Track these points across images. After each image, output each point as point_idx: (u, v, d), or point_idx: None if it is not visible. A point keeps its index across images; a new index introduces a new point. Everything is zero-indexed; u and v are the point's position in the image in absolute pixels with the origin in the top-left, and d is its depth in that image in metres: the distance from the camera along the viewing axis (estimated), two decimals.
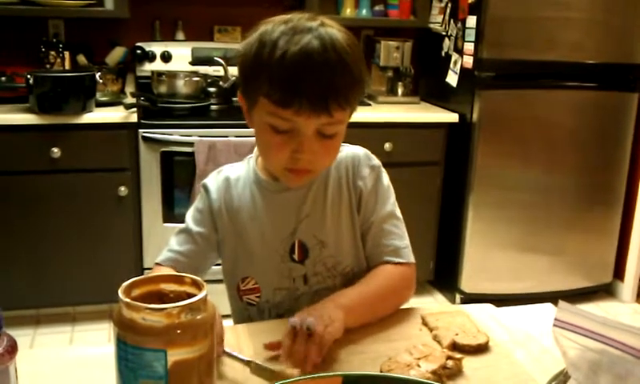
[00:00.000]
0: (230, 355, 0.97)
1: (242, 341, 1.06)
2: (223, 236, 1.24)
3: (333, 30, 1.06)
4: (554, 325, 0.81)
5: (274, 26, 1.06)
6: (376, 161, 1.25)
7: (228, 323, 1.22)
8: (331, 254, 1.21)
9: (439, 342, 1.06)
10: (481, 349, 1.04)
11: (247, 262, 1.23)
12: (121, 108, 2.72)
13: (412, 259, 1.22)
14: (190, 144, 2.65)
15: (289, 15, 1.08)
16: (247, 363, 0.95)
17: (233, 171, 1.27)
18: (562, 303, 0.81)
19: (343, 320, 1.03)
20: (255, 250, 1.22)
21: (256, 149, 1.23)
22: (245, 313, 1.25)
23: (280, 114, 1.04)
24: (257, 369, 0.94)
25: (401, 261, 1.20)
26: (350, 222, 1.22)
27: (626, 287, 3.27)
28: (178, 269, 1.19)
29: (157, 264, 1.22)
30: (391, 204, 1.24)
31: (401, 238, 1.22)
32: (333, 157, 1.17)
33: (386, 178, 1.25)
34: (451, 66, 3.09)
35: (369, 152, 1.26)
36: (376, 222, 1.21)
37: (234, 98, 3.03)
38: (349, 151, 1.25)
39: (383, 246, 1.21)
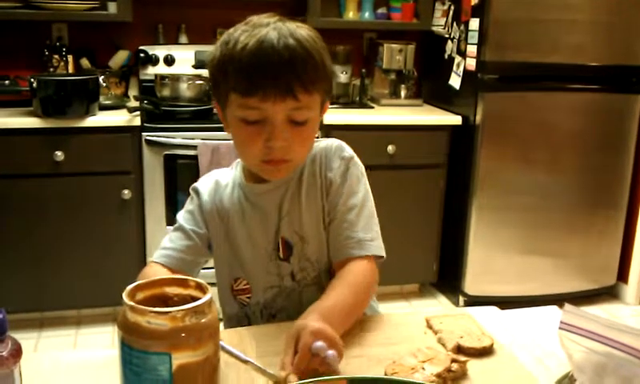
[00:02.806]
0: (225, 350, 0.97)
1: (246, 344, 1.05)
2: (214, 236, 1.25)
3: (292, 25, 1.11)
4: (560, 327, 0.81)
5: (235, 28, 1.12)
6: (348, 152, 1.23)
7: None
8: (313, 249, 1.21)
9: (444, 345, 1.06)
10: (485, 352, 1.04)
11: (238, 264, 1.24)
12: (124, 111, 2.73)
13: (376, 252, 1.17)
14: (193, 147, 2.65)
15: (250, 18, 1.14)
16: (244, 362, 0.95)
17: (222, 176, 1.28)
18: (567, 306, 0.81)
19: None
20: (245, 252, 1.23)
21: None
22: (240, 313, 1.26)
23: (248, 103, 1.07)
24: (253, 370, 0.94)
25: (363, 254, 1.16)
26: (323, 215, 1.20)
27: (630, 289, 3.26)
28: (172, 264, 1.19)
29: (152, 262, 1.22)
30: (360, 196, 1.20)
31: (365, 230, 1.18)
32: (307, 145, 1.16)
33: (356, 170, 1.22)
34: (454, 68, 3.08)
35: (343, 144, 1.25)
36: (340, 212, 1.18)
37: None
38: (323, 144, 1.24)
39: (347, 237, 1.17)
